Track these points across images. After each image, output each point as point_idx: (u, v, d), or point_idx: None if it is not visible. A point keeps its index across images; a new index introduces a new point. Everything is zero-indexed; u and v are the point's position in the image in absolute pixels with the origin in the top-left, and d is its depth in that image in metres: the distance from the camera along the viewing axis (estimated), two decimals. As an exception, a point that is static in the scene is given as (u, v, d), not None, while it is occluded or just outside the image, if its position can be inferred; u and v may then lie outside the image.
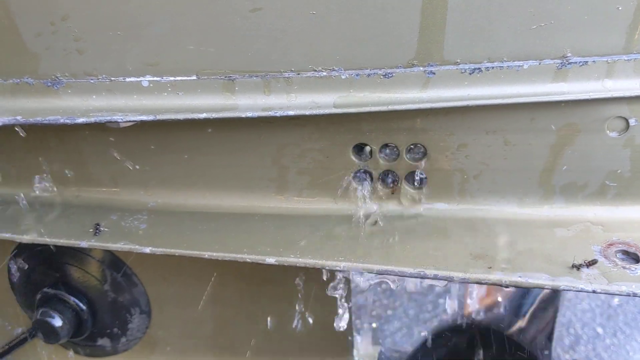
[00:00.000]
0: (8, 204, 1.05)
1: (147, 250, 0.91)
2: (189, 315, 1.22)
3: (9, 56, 0.84)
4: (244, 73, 0.81)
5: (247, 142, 0.91)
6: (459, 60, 0.77)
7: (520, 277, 0.79)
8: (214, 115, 0.81)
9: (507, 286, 0.79)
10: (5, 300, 1.29)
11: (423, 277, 0.81)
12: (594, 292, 0.77)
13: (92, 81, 0.83)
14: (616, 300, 2.89)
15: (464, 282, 0.81)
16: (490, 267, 0.81)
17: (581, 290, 0.78)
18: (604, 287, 0.77)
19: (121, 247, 0.92)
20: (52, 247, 1.12)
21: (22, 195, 1.04)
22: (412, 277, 0.82)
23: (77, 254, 1.15)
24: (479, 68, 0.77)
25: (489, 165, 0.86)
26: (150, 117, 0.82)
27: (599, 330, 2.75)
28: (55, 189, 1.04)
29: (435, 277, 0.80)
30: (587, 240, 0.84)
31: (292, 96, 0.82)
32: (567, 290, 0.78)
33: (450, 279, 0.80)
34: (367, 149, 0.90)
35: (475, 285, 1.39)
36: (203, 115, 0.81)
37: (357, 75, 0.79)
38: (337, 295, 1.05)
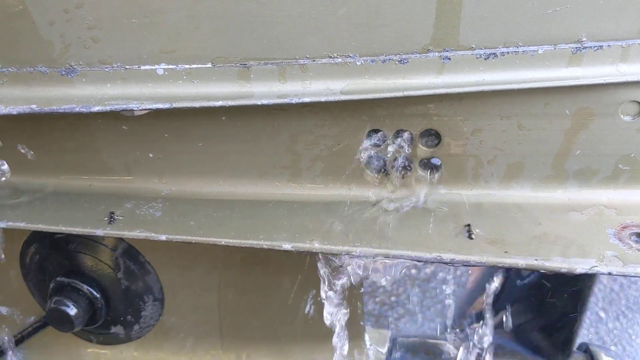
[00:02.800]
0: (21, 193, 1.06)
1: (163, 237, 0.91)
2: (202, 302, 1.23)
3: (22, 45, 0.84)
4: (259, 60, 0.81)
5: (261, 130, 0.91)
6: (474, 45, 0.77)
7: (536, 260, 0.80)
8: (230, 103, 0.82)
9: (523, 270, 0.80)
10: (17, 289, 1.30)
11: (440, 262, 0.82)
12: (609, 274, 0.78)
13: (106, 70, 0.83)
14: (617, 284, 2.91)
15: (481, 265, 0.82)
16: (506, 252, 0.82)
17: (597, 273, 0.79)
18: (620, 269, 0.78)
19: (137, 235, 0.92)
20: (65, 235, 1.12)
21: (35, 184, 1.05)
22: (428, 261, 0.83)
23: (90, 243, 1.15)
24: (494, 53, 0.77)
25: (503, 150, 0.86)
26: (167, 105, 0.82)
27: (602, 314, 2.77)
28: (68, 177, 1.05)
29: (452, 262, 0.81)
30: (601, 224, 0.85)
31: (307, 83, 0.82)
32: (582, 273, 0.79)
33: (467, 264, 0.81)
34: (381, 135, 0.90)
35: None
36: (219, 103, 0.82)
37: (372, 61, 0.80)
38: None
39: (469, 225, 0.86)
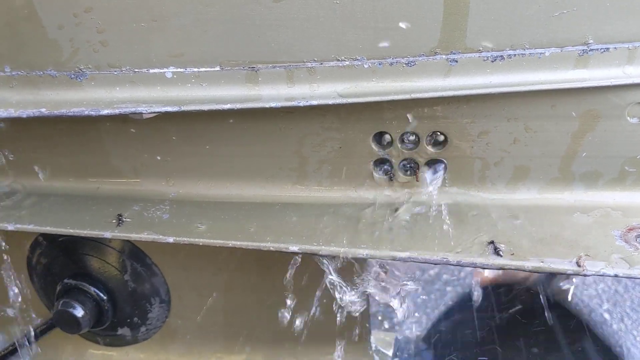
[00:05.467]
0: (29, 196, 1.06)
1: (171, 240, 0.92)
2: (208, 304, 1.23)
3: (32, 48, 0.85)
4: (267, 63, 0.81)
5: (268, 133, 0.92)
6: (481, 48, 0.77)
7: (542, 262, 0.80)
8: (238, 105, 0.82)
9: (530, 272, 0.80)
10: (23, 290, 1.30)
11: (446, 264, 0.82)
12: (616, 276, 0.78)
13: (115, 73, 0.84)
14: (622, 286, 2.91)
15: (487, 268, 0.82)
16: (513, 254, 0.82)
17: (603, 275, 0.79)
18: (626, 271, 0.78)
19: (145, 237, 0.93)
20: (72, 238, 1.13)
21: (43, 186, 1.05)
22: (434, 263, 0.83)
23: (97, 245, 1.16)
24: (501, 55, 0.77)
25: (509, 152, 0.87)
26: (175, 108, 0.82)
27: (606, 316, 2.76)
28: (75, 180, 1.05)
29: (459, 264, 0.82)
30: (607, 226, 0.85)
31: (315, 86, 0.82)
32: (588, 275, 0.79)
33: (473, 266, 0.82)
34: (387, 137, 0.90)
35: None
36: (227, 106, 0.82)
37: (379, 64, 0.80)
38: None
39: (492, 242, 0.85)
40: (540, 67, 0.78)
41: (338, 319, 1.14)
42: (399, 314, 0.95)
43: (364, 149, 0.92)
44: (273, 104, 0.82)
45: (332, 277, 0.94)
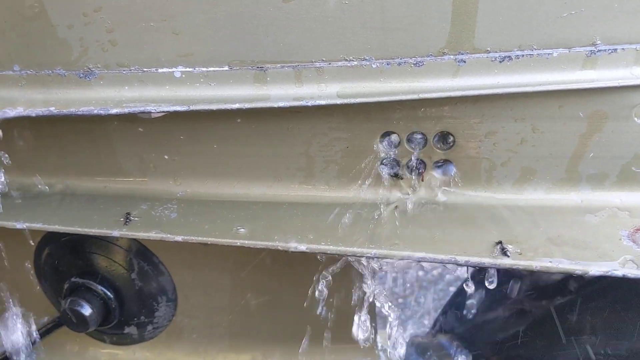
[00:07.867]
0: (36, 194, 1.07)
1: (179, 238, 0.92)
2: (214, 303, 1.23)
3: (41, 47, 0.85)
4: (275, 63, 0.82)
5: (275, 132, 0.92)
6: (489, 49, 0.77)
7: (550, 262, 0.80)
8: (247, 105, 0.82)
9: (538, 271, 0.80)
10: (30, 289, 1.31)
11: (455, 264, 0.82)
12: (624, 276, 0.78)
13: (124, 72, 0.84)
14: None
15: (495, 267, 0.82)
16: (521, 253, 0.82)
17: (611, 275, 0.79)
18: (634, 271, 0.78)
19: (153, 236, 0.93)
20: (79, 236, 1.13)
21: (50, 185, 1.06)
22: (443, 263, 0.83)
23: (105, 243, 1.16)
24: (509, 56, 0.78)
25: (517, 152, 0.87)
26: (184, 108, 0.83)
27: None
28: (83, 179, 1.06)
29: (467, 264, 0.82)
30: (615, 226, 0.85)
31: (323, 86, 0.83)
32: (596, 275, 0.79)
33: (482, 265, 0.82)
34: (395, 137, 0.91)
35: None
36: (236, 106, 0.82)
37: (387, 64, 0.80)
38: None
39: (500, 242, 0.85)
40: (548, 67, 0.78)
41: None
42: None
43: (372, 148, 0.92)
44: (281, 104, 0.83)
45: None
